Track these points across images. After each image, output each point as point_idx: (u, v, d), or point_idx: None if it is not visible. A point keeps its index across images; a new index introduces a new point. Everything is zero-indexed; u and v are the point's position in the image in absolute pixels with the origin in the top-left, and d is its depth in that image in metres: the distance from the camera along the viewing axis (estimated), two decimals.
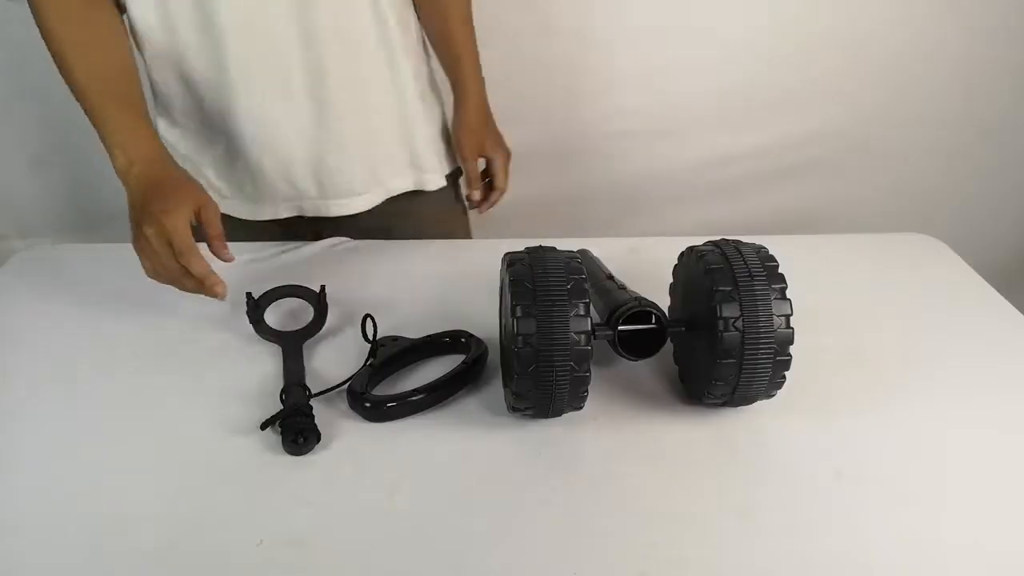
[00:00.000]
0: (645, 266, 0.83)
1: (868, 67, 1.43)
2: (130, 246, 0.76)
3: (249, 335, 0.79)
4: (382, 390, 0.72)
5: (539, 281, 0.63)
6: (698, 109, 1.48)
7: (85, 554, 0.57)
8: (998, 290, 0.93)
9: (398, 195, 1.00)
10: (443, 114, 1.04)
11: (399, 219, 1.02)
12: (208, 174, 0.95)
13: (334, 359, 0.77)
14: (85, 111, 0.80)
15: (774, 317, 0.63)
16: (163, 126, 0.94)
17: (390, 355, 0.74)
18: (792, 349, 0.64)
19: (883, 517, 0.63)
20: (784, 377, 0.66)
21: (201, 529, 0.59)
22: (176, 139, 0.94)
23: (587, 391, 0.65)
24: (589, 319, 0.62)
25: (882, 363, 0.80)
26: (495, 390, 0.74)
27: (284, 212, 0.97)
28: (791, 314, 0.64)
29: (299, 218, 0.98)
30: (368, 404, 0.69)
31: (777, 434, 0.70)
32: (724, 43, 1.39)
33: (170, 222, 0.72)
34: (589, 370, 0.63)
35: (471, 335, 0.77)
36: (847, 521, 0.62)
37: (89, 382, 0.74)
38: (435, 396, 0.71)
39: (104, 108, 0.79)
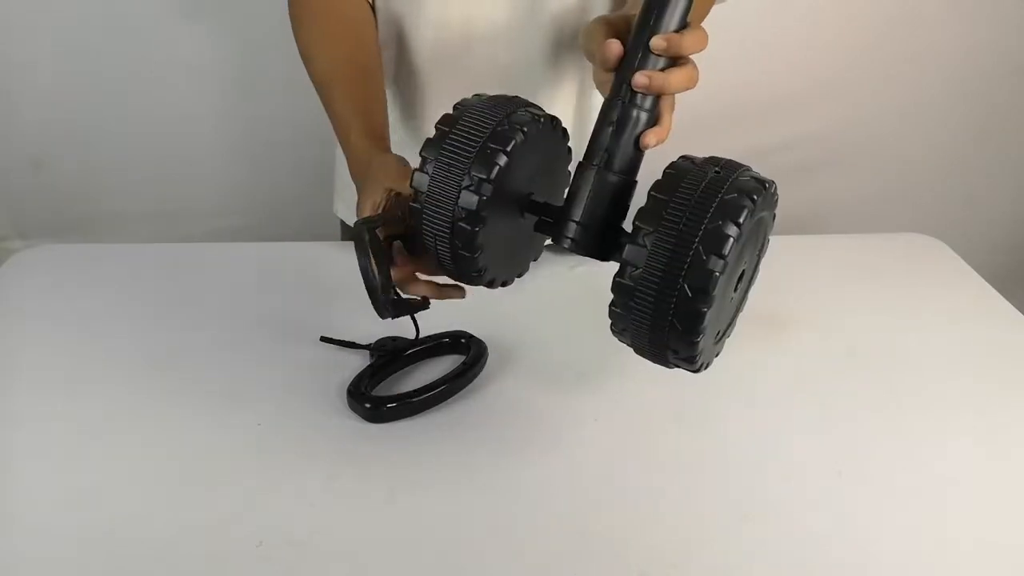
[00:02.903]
0: None
1: (868, 67, 1.43)
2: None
3: (249, 334, 0.79)
4: (382, 390, 0.72)
5: (455, 133, 0.55)
6: (698, 110, 1.47)
7: (85, 554, 0.57)
8: (998, 290, 0.93)
9: None
10: None
11: None
12: None
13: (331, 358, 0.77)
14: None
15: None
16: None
17: (390, 355, 0.74)
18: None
19: (883, 517, 0.63)
20: None
21: (201, 529, 0.59)
22: None
23: (482, 271, 0.59)
24: (479, 198, 0.54)
25: (882, 363, 0.80)
26: (495, 391, 0.74)
27: None
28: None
29: None
30: (368, 404, 0.69)
31: (777, 434, 0.70)
32: (723, 44, 1.39)
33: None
34: (476, 250, 0.56)
35: (471, 335, 0.77)
36: (847, 521, 0.62)
37: (89, 382, 0.73)
38: (435, 396, 0.70)
39: (331, 105, 0.74)
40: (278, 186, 1.45)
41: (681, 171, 0.52)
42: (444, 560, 0.58)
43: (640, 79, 0.54)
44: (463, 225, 0.55)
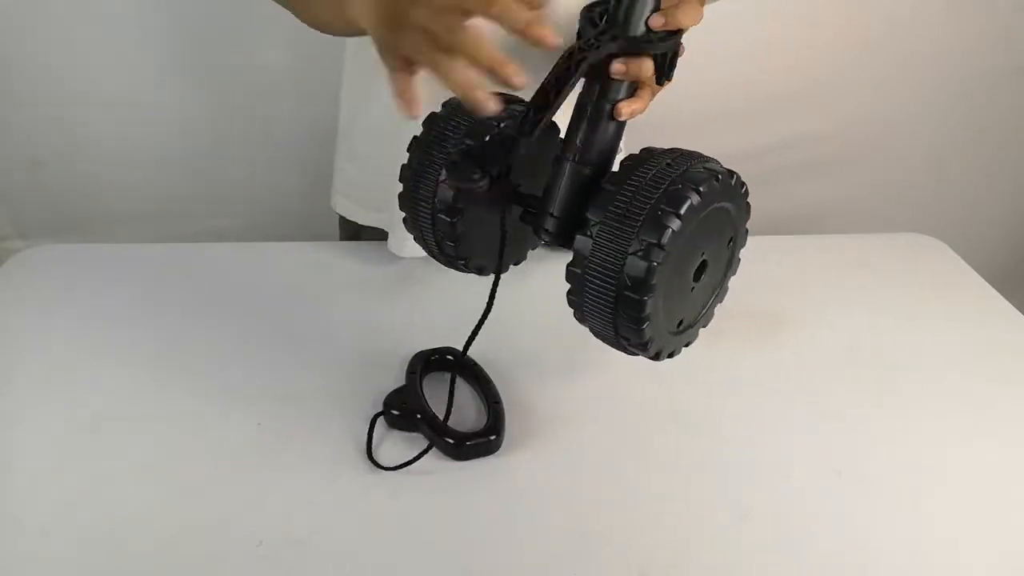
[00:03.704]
0: None
1: (868, 67, 1.43)
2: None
3: (249, 334, 0.79)
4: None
5: (434, 130, 0.58)
6: (698, 109, 1.47)
7: (85, 554, 0.57)
8: (998, 290, 0.93)
9: None
10: None
11: None
12: None
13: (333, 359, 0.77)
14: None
15: None
16: None
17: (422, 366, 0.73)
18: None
19: (883, 517, 0.63)
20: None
21: (201, 529, 0.59)
22: None
23: (467, 259, 0.61)
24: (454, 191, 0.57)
25: (882, 363, 0.80)
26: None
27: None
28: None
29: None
30: (451, 441, 0.66)
31: (777, 434, 0.70)
32: (724, 43, 1.39)
33: None
34: (457, 239, 0.59)
35: (455, 350, 0.75)
36: (846, 520, 0.62)
37: (88, 382, 0.74)
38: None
39: None
40: (278, 186, 1.45)
41: (635, 163, 0.52)
42: (444, 560, 0.58)
43: (656, 20, 0.53)
44: (442, 217, 0.58)
